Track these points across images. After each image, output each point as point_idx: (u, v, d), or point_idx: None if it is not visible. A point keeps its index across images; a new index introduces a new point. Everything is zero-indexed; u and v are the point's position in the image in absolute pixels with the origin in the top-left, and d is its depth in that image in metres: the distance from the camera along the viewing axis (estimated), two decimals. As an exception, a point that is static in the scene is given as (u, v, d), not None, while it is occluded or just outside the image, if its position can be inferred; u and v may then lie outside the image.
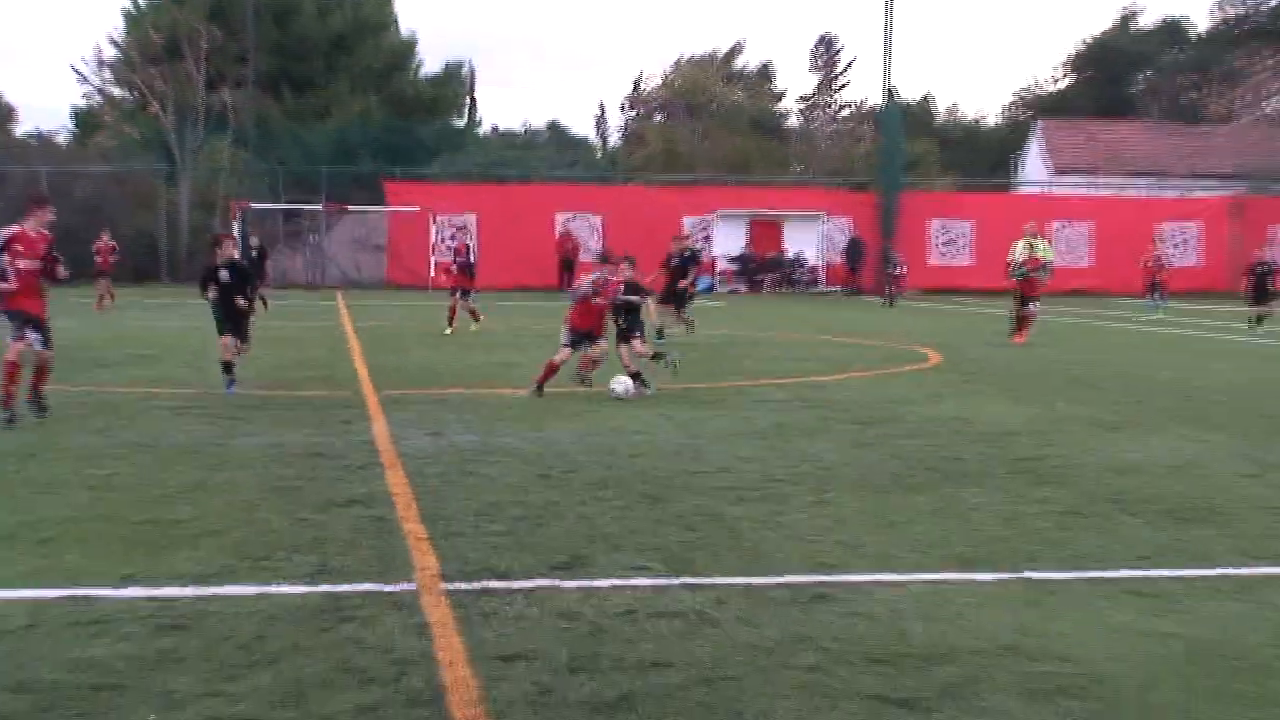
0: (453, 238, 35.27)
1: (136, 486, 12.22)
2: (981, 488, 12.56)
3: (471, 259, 34.05)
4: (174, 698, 6.73)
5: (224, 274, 18.47)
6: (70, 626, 7.90)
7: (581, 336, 19.55)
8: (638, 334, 19.75)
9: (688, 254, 30.55)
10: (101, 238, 41.85)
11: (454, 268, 33.34)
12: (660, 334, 26.83)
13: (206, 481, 12.52)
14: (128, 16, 75.93)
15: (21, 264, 16.10)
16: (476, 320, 32.36)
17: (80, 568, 9.29)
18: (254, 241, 44.31)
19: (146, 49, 71.94)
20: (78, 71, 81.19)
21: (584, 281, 20.12)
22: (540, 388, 19.04)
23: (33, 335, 16.08)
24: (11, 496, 11.72)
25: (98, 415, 16.70)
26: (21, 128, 75.54)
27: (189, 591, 8.72)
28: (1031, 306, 29.22)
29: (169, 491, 12.01)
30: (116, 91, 77.20)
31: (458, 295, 32.36)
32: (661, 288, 28.63)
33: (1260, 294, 34.83)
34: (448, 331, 31.36)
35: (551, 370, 19.12)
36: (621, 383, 18.59)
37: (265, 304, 36.89)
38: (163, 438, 15.05)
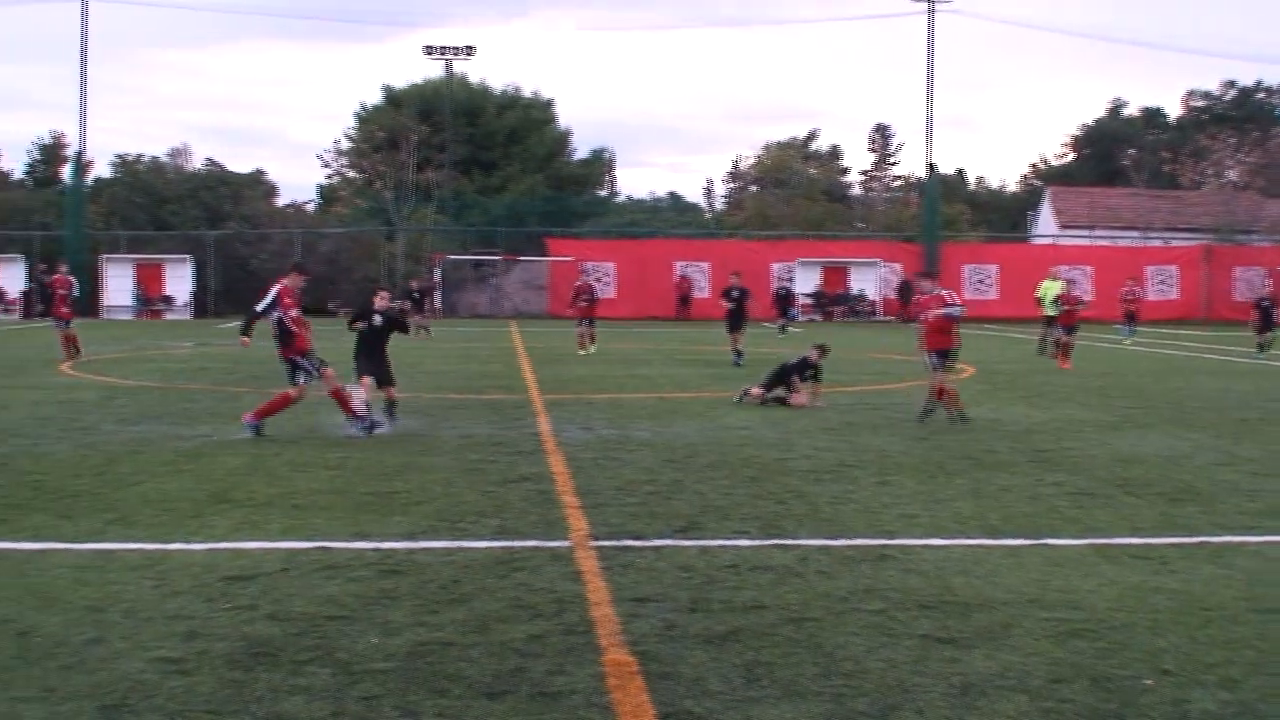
0: (579, 280, 34.02)
1: (364, 466, 12.31)
2: (1009, 473, 12.32)
3: (595, 295, 32.70)
4: (391, 626, 6.74)
5: (377, 319, 15.52)
6: (314, 571, 7.95)
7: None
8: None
9: (743, 288, 27.77)
10: (411, 284, 42.91)
11: (581, 302, 31.57)
12: (738, 356, 26.11)
13: (415, 463, 12.58)
14: (358, 117, 77.13)
15: (293, 314, 14.87)
16: (592, 343, 30.93)
17: (322, 526, 9.37)
18: (413, 285, 43.43)
19: (372, 141, 73.09)
20: (321, 158, 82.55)
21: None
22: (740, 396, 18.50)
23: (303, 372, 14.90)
24: (273, 473, 11.86)
25: (336, 413, 16.85)
26: (280, 199, 76.77)
27: (402, 545, 8.76)
28: (1070, 335, 28.03)
29: (387, 470, 12.09)
30: (350, 173, 78.43)
31: (584, 324, 31.19)
32: (724, 315, 27.54)
33: (1265, 324, 33.45)
34: (581, 353, 30.14)
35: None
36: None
37: (429, 332, 38.11)
38: (384, 429, 15.16)
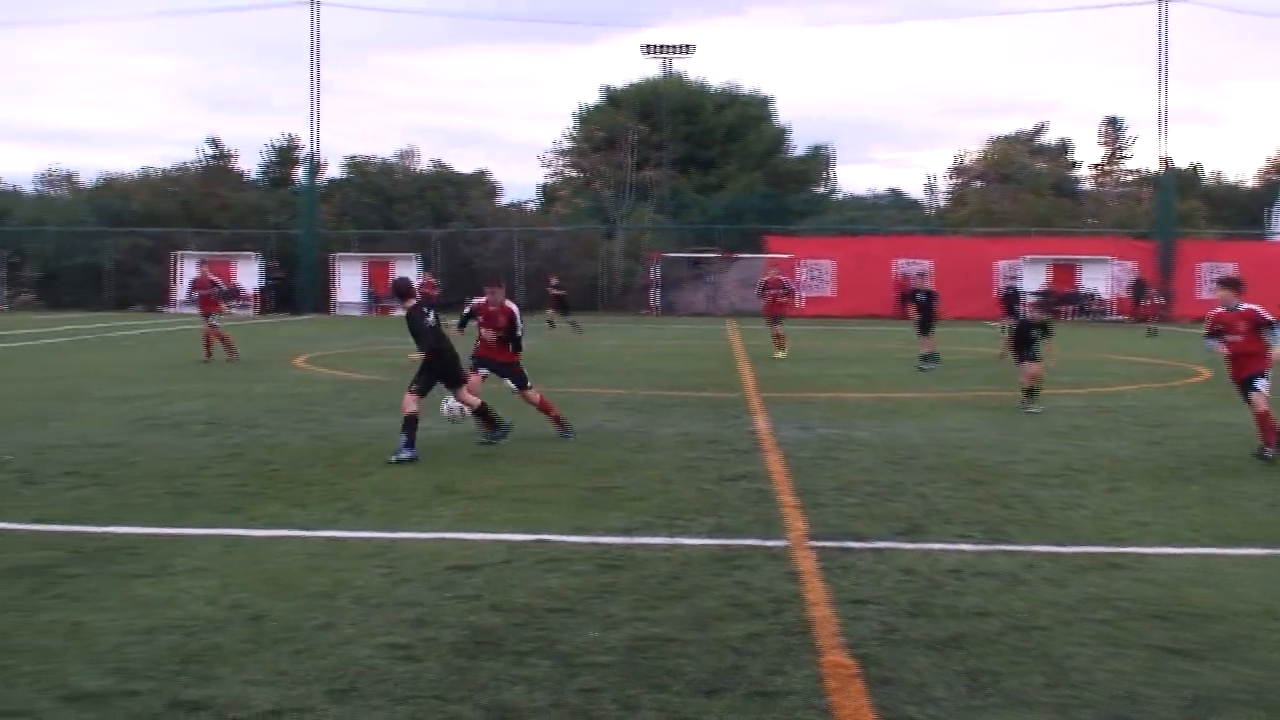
0: (766, 275, 32.09)
1: (583, 462, 12.48)
2: (1247, 480, 11.78)
3: (785, 290, 30.60)
4: (611, 619, 6.81)
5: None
6: (536, 563, 8.09)
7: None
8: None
9: (927, 290, 26.57)
10: (550, 280, 42.46)
11: (771, 298, 29.77)
12: (930, 360, 25.09)
13: (633, 460, 12.70)
14: (578, 117, 78.31)
15: (483, 332, 14.47)
16: (781, 346, 28.61)
17: (544, 519, 9.53)
18: (553, 282, 42.01)
19: (591, 141, 74.12)
20: (541, 158, 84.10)
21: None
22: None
23: (510, 383, 14.61)
24: (495, 467, 12.12)
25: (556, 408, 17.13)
26: (502, 199, 78.44)
27: (621, 540, 8.84)
28: None
29: (606, 466, 12.23)
30: (570, 172, 79.65)
31: (774, 322, 29.20)
32: (912, 316, 26.37)
33: None
34: (778, 355, 27.96)
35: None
36: (448, 405, 13.67)
37: (579, 328, 37.93)
38: (601, 426, 15.35)
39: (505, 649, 6.27)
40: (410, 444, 12.53)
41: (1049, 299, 17.84)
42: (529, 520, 9.51)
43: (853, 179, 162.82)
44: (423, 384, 13.17)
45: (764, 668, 6.05)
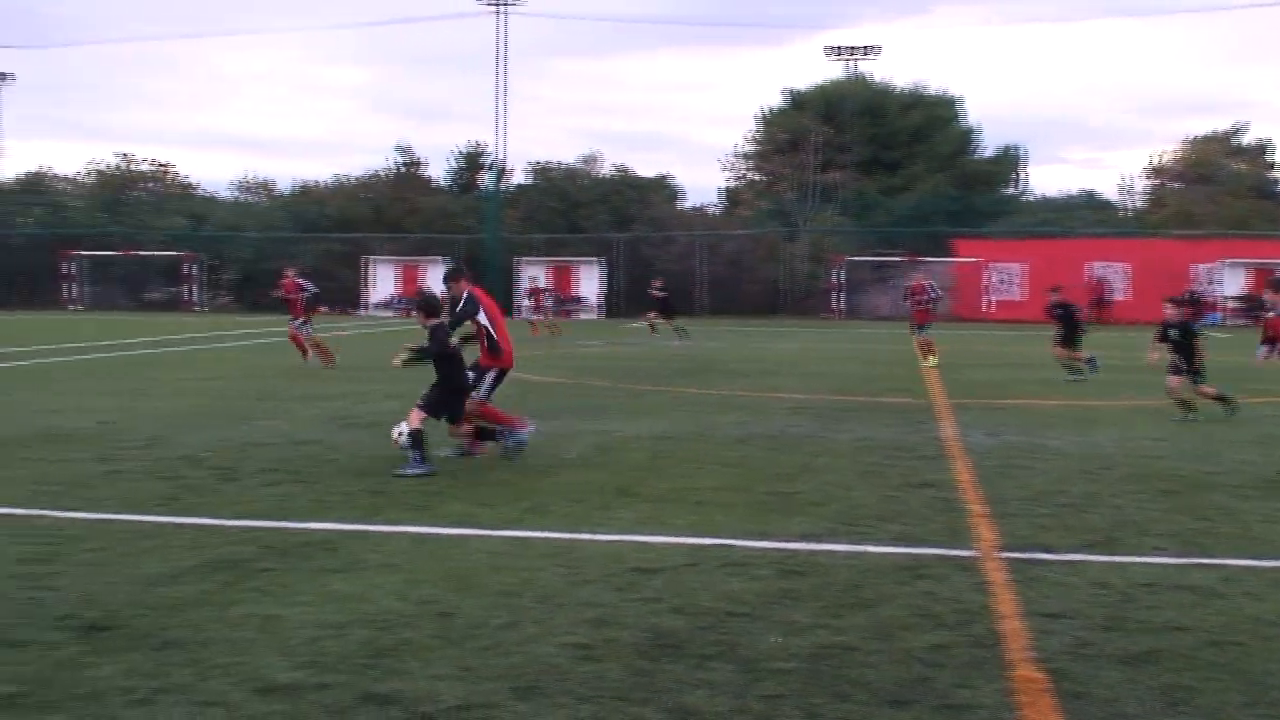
0: (913, 279, 30.15)
1: (762, 466, 12.43)
2: None
3: (930, 296, 28.53)
4: (793, 626, 6.77)
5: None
6: (717, 567, 8.09)
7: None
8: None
9: (1064, 303, 24.99)
10: (654, 282, 39.72)
11: (914, 305, 28.05)
12: (1085, 366, 23.95)
13: (813, 464, 12.61)
14: (760, 120, 78.15)
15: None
16: (927, 355, 26.75)
17: (724, 523, 9.52)
18: (656, 285, 39.35)
19: (774, 143, 73.93)
20: (723, 161, 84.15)
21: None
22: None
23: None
24: (675, 470, 12.15)
25: (735, 412, 17.14)
26: (684, 202, 78.73)
27: (802, 546, 8.78)
28: None
29: (787, 471, 12.16)
30: (752, 175, 79.56)
31: (917, 330, 27.35)
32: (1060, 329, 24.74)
33: None
34: (926, 363, 26.33)
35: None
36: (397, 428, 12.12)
37: (686, 334, 36.34)
38: (782, 430, 15.28)
39: (687, 652, 6.28)
40: (422, 459, 11.77)
41: (1186, 300, 16.92)
42: (709, 524, 9.51)
43: (1044, 180, 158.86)
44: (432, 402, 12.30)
45: (951, 680, 5.94)
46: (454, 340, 12.82)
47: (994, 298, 57.23)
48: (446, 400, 12.46)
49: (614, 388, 21.26)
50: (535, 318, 43.98)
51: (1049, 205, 76.89)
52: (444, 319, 12.72)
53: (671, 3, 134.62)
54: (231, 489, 10.86)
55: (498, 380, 13.60)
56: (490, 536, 8.98)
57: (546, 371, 24.79)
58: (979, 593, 7.53)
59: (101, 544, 8.59)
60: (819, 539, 9.04)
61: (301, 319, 26.46)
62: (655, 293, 38.46)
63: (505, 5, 66.39)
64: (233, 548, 8.52)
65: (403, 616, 6.84)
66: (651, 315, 38.62)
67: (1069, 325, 24.45)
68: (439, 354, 12.43)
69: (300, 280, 27.20)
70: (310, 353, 26.10)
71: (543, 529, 9.27)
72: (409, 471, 11.65)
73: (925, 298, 28.14)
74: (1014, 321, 52.09)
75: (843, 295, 59.81)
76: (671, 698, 5.63)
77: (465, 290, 13.28)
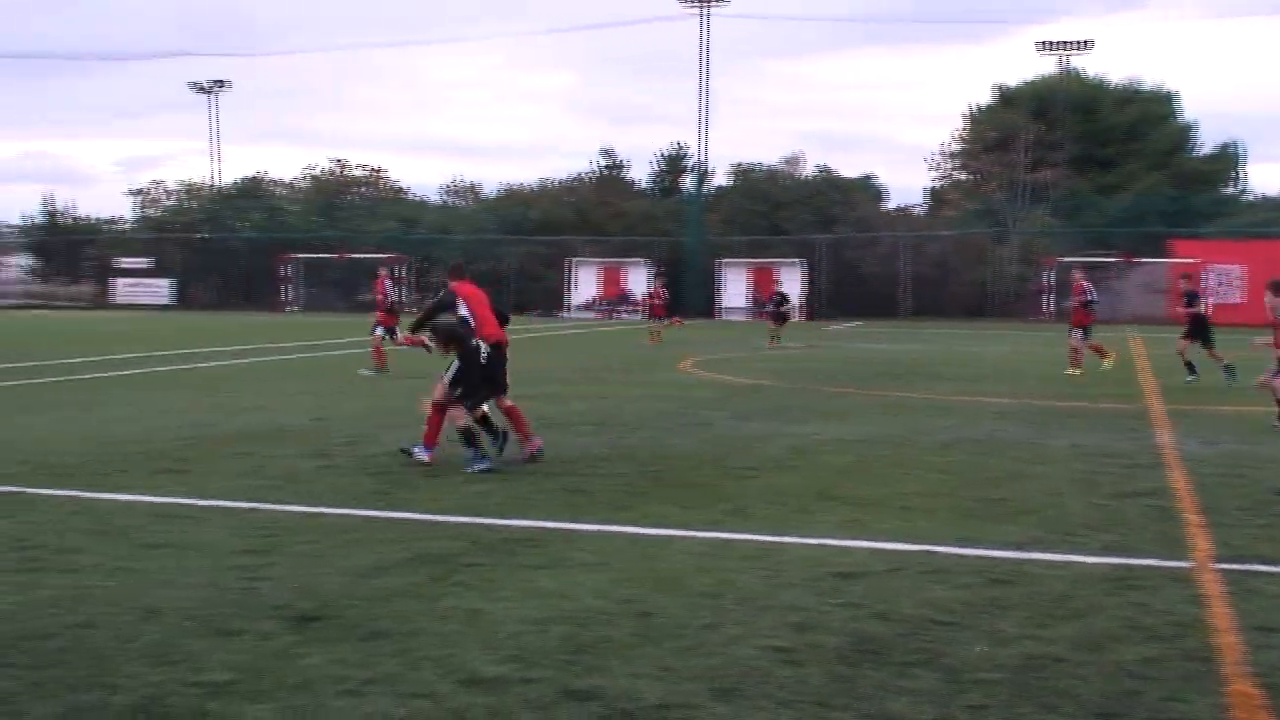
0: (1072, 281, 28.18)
1: (968, 471, 12.21)
2: None
3: (1088, 297, 26.57)
4: (999, 636, 6.63)
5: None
6: (921, 573, 7.97)
7: None
8: None
9: (1193, 291, 24.90)
10: (771, 293, 39.64)
11: (1076, 306, 26.71)
12: (1192, 369, 22.94)
13: (1022, 471, 12.33)
14: (968, 118, 76.82)
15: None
16: (1103, 356, 25.89)
17: (928, 530, 9.37)
18: (776, 290, 39.43)
19: (982, 142, 72.60)
20: (929, 161, 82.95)
21: None
22: None
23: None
24: (878, 474, 12.02)
25: (940, 416, 16.87)
26: (888, 203, 77.91)
27: (1009, 554, 8.59)
28: None
29: (994, 477, 11.92)
30: (959, 175, 78.29)
31: (1076, 333, 25.84)
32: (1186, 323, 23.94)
33: None
34: (1104, 364, 25.64)
35: None
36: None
37: (779, 341, 35.85)
38: (989, 435, 14.99)
39: (889, 659, 6.21)
40: (480, 454, 11.96)
41: None
42: (913, 530, 9.38)
43: (1265, 178, 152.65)
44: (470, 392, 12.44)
45: (1162, 694, 5.74)
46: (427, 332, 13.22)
47: (1211, 300, 55.23)
48: (477, 386, 12.48)
49: (815, 390, 21.15)
50: (657, 324, 39.51)
51: (1271, 205, 73.83)
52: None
53: (875, 0, 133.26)
54: (436, 485, 11.13)
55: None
56: (691, 538, 9.01)
57: (747, 373, 24.81)
58: (1193, 605, 7.26)
59: (314, 536, 8.90)
60: (1027, 547, 8.83)
61: (383, 327, 24.33)
62: (771, 300, 38.29)
63: (708, 5, 66.54)
64: (439, 542, 8.73)
65: (604, 614, 6.92)
66: (772, 326, 37.84)
67: (1201, 326, 23.37)
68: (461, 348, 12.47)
69: (389, 281, 25.96)
70: (381, 362, 24.05)
71: (744, 531, 9.26)
72: (473, 468, 11.75)
73: (1084, 299, 26.56)
74: (1233, 326, 50.12)
75: (1053, 297, 58.25)
76: (873, 704, 5.57)
77: (451, 284, 13.75)
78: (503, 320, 13.65)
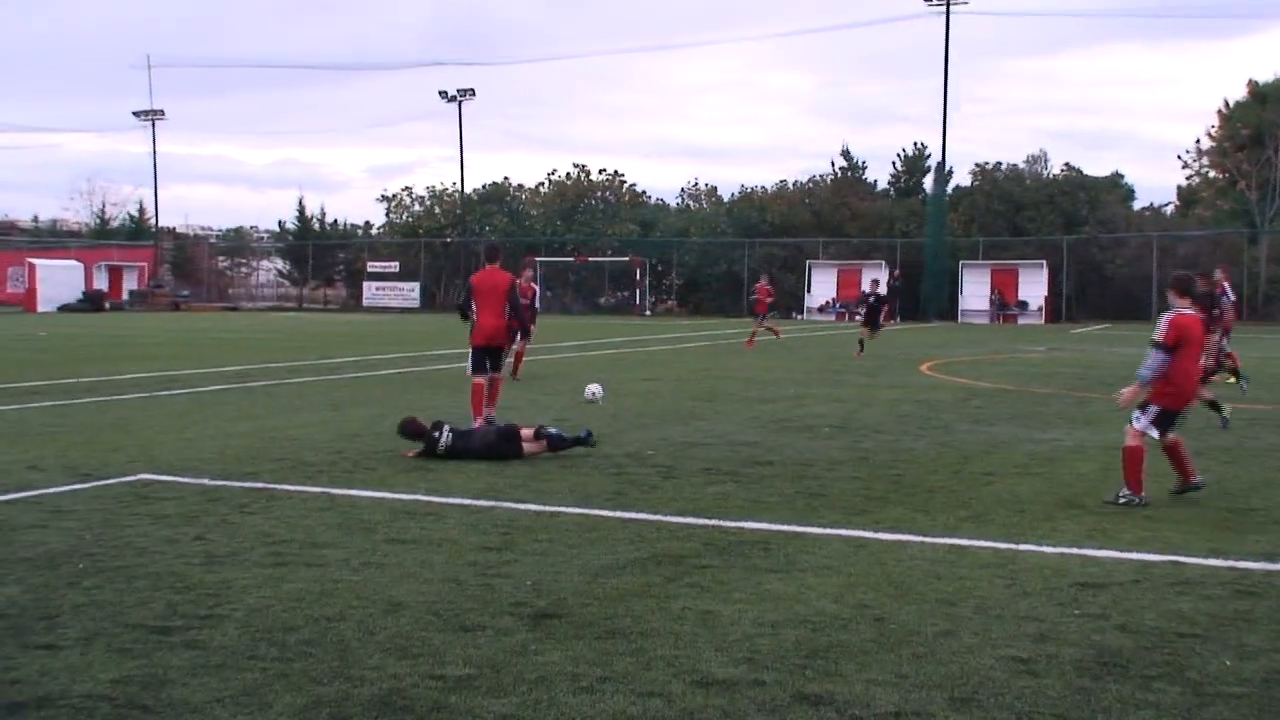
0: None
1: (1219, 481, 11.68)
2: None
3: (1229, 298, 21.53)
4: (1245, 649, 6.36)
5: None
6: (1166, 585, 7.70)
7: None
8: None
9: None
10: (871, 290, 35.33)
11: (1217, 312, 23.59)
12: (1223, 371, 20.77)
13: (1273, 480, 11.79)
14: (1221, 115, 73.60)
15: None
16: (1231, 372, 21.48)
17: (1175, 540, 9.04)
18: (876, 283, 34.58)
19: (1236, 140, 69.58)
20: (1181, 159, 79.73)
21: None
22: None
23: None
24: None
25: (1189, 422, 16.21)
26: (1137, 202, 75.19)
27: (1260, 566, 8.23)
28: None
29: (1245, 486, 11.44)
30: (1211, 173, 75.17)
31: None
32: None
33: None
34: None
35: None
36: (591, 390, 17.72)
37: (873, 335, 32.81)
38: (1238, 443, 14.36)
39: (1131, 672, 6.02)
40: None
41: None
42: (1159, 540, 9.06)
43: None
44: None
45: None
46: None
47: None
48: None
49: (1058, 395, 20.58)
50: (757, 323, 35.89)
51: None
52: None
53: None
54: (672, 486, 11.23)
55: (472, 357, 15.76)
56: (928, 543, 8.88)
57: (989, 378, 24.30)
58: None
59: (551, 535, 9.08)
60: (1277, 559, 8.44)
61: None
62: (870, 296, 33.69)
63: (951, 4, 65.35)
64: (673, 543, 8.82)
65: (837, 619, 6.88)
66: (865, 330, 33.17)
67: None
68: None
69: (535, 285, 24.97)
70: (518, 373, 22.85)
71: (982, 538, 9.09)
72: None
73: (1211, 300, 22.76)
74: None
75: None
76: (1114, 718, 5.41)
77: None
78: (519, 320, 16.10)
